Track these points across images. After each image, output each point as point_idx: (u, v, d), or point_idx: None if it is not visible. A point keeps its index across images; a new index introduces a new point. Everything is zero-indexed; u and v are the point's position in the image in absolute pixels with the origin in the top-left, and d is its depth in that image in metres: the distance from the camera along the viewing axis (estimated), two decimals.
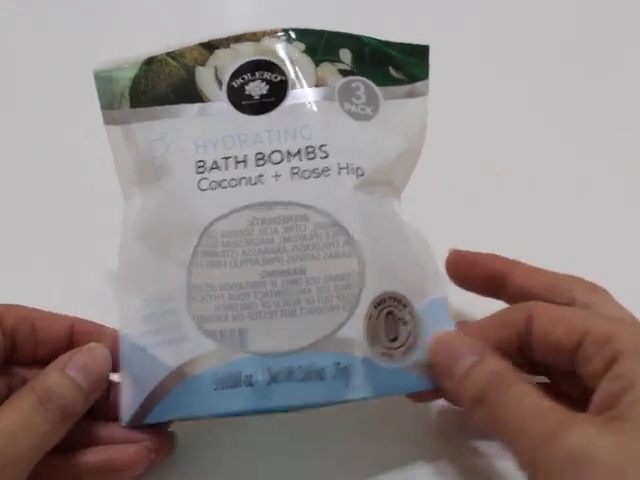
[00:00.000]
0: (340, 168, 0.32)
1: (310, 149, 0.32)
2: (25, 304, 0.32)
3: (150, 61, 0.34)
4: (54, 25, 0.55)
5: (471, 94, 0.49)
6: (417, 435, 0.35)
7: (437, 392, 0.32)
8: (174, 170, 0.32)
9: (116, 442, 0.31)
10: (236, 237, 0.31)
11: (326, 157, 0.32)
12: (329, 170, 0.32)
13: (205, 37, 0.34)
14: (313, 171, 0.32)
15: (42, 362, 0.31)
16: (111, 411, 0.32)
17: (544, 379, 0.33)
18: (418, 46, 0.35)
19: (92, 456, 0.31)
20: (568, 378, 0.31)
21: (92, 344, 0.31)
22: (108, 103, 0.34)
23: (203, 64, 0.34)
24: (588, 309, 0.31)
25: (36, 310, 0.32)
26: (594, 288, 0.32)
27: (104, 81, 0.34)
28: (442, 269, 0.34)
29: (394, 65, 0.35)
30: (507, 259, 0.34)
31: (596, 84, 0.53)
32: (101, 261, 0.41)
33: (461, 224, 0.42)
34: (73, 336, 0.32)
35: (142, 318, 0.32)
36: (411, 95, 0.34)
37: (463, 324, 0.33)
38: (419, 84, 0.35)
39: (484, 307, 0.34)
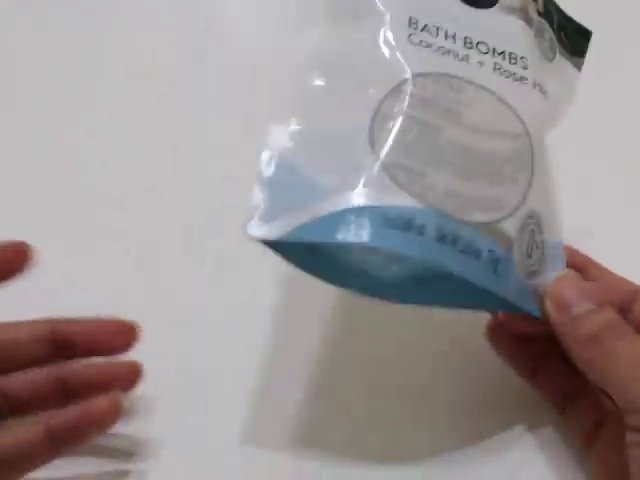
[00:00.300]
0: (535, 84, 0.34)
1: (514, 55, 0.34)
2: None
3: None
4: (54, 25, 0.55)
5: None
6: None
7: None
8: (385, 16, 0.33)
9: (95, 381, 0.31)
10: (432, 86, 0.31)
11: (525, 68, 0.34)
12: (527, 80, 0.33)
13: None
14: (513, 74, 0.33)
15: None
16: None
17: None
18: (583, 27, 0.38)
19: (64, 414, 0.30)
20: None
21: None
22: None
23: None
24: None
25: None
26: None
27: None
28: None
29: (569, 36, 0.37)
30: (582, 254, 0.35)
31: (596, 85, 0.52)
32: (101, 261, 0.41)
33: None
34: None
35: (304, 141, 0.30)
36: (574, 64, 0.37)
37: None
38: (579, 60, 0.37)
39: None
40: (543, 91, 0.34)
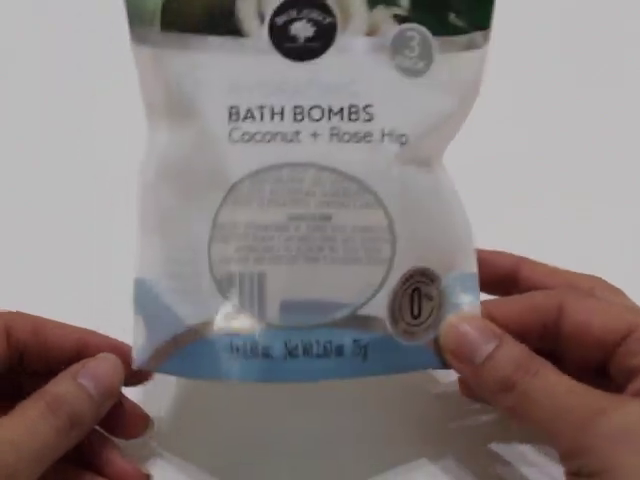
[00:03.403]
0: (384, 134, 0.31)
1: (354, 109, 0.31)
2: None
3: None
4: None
5: None
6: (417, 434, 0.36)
7: None
8: (204, 112, 0.31)
9: (103, 466, 0.31)
10: (265, 175, 0.30)
11: (370, 120, 0.31)
12: (372, 136, 0.31)
13: None
14: (354, 135, 0.30)
15: (50, 373, 0.31)
16: (122, 427, 0.32)
17: None
18: None
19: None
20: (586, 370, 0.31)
21: (104, 354, 0.31)
22: (138, 19, 0.31)
23: None
24: None
25: (47, 321, 0.32)
26: (613, 289, 0.32)
27: None
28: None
29: (455, 10, 0.32)
30: (515, 255, 0.34)
31: (593, 87, 0.51)
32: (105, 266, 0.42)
33: None
34: (82, 349, 0.32)
35: (162, 262, 0.32)
36: (469, 47, 0.32)
37: (487, 302, 0.32)
38: (479, 34, 0.32)
39: None
40: (397, 135, 0.31)
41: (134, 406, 0.33)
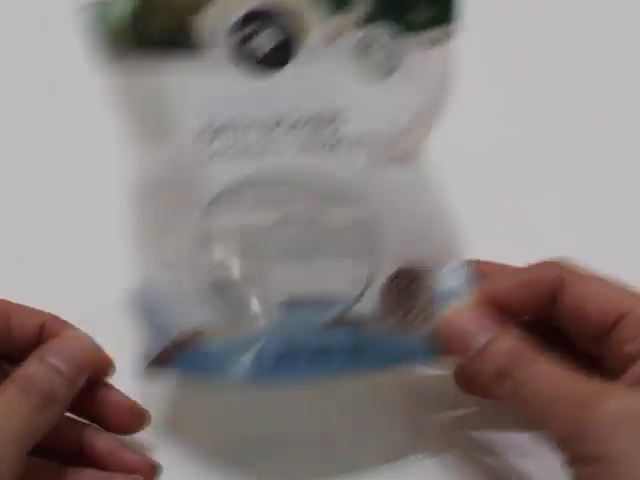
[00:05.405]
0: (354, 139, 0.31)
1: (322, 117, 0.31)
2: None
3: None
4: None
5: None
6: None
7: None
8: (176, 132, 0.31)
9: (106, 460, 0.32)
10: (241, 188, 0.31)
11: (339, 126, 0.31)
12: (342, 141, 0.31)
13: None
14: (325, 142, 0.31)
15: (12, 357, 0.32)
16: (120, 422, 0.33)
17: None
18: None
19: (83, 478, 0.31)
20: (591, 349, 0.31)
21: (70, 331, 0.31)
22: (107, 40, 0.31)
23: (207, 7, 0.31)
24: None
25: (12, 304, 0.32)
26: None
27: (101, 14, 0.31)
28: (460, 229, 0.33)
29: (415, 9, 0.32)
30: (557, 266, 0.31)
31: (585, 80, 0.51)
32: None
33: None
34: (43, 334, 0.32)
35: (160, 270, 0.33)
36: (434, 43, 0.32)
37: (490, 280, 0.32)
38: (443, 30, 0.32)
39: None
40: (369, 138, 0.31)
41: (131, 401, 0.33)
